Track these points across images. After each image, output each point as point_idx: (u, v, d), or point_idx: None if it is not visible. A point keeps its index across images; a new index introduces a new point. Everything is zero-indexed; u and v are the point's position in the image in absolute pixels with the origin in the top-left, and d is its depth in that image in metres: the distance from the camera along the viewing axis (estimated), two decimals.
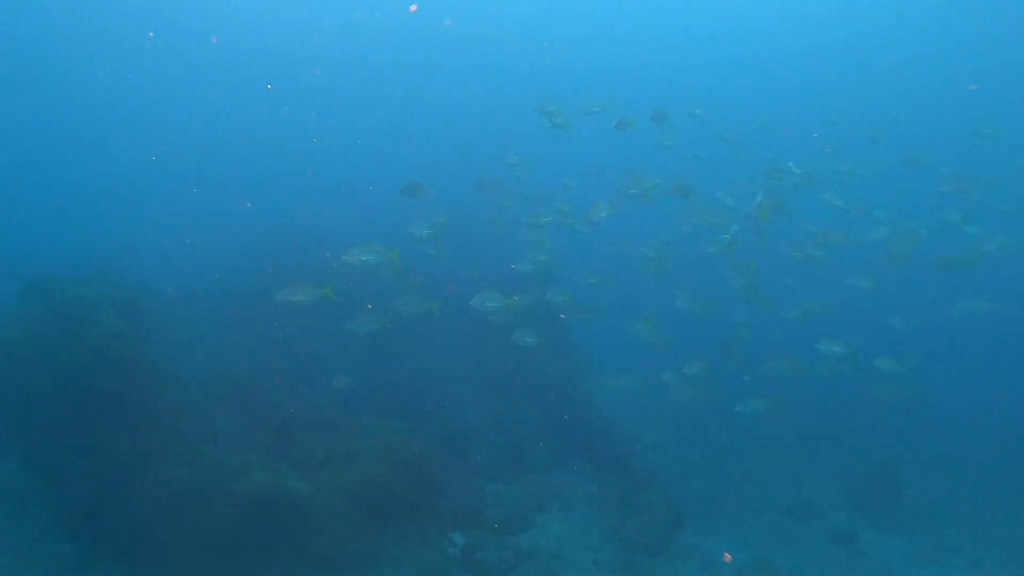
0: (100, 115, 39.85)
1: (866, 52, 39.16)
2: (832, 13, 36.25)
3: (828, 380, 12.12)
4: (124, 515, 8.10)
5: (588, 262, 14.22)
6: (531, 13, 40.02)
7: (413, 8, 39.33)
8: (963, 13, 32.01)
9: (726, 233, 10.50)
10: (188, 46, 38.48)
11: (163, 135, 38.87)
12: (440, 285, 14.61)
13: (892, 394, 12.21)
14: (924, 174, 14.45)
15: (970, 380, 17.04)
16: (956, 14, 32.47)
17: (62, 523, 9.09)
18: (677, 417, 14.22)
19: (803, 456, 14.16)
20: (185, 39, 37.68)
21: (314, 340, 14.01)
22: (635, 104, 12.43)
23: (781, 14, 37.73)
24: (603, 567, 10.02)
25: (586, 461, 13.36)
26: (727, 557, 10.42)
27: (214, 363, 11.60)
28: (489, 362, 14.91)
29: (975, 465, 14.54)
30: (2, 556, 8.71)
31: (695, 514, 11.34)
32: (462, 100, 42.32)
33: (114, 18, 35.17)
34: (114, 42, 37.45)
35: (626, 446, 13.20)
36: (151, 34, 36.62)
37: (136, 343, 8.98)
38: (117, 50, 38.13)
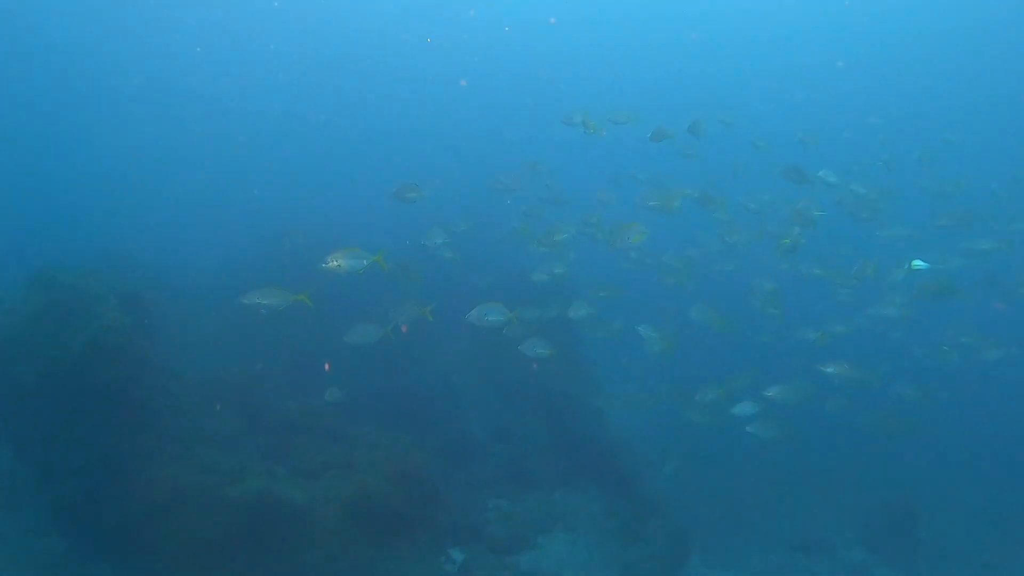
0: (116, 109, 40.07)
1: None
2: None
3: (844, 409, 11.80)
4: (116, 513, 7.90)
5: (602, 273, 13.82)
6: (553, 21, 39.84)
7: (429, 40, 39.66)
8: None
9: (785, 238, 10.01)
10: (200, 39, 38.68)
11: (178, 129, 39.02)
12: (453, 289, 14.39)
13: (890, 427, 11.72)
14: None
15: (993, 416, 16.48)
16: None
17: (55, 517, 8.90)
18: (686, 438, 13.82)
19: (816, 487, 13.70)
20: (197, 32, 37.86)
21: (321, 342, 13.79)
22: (661, 113, 12.04)
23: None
24: None
25: (592, 481, 13.01)
26: None
27: (218, 361, 11.39)
28: (496, 371, 14.61)
29: (998, 508, 14.01)
30: None
31: (701, 545, 10.99)
32: (483, 105, 42.18)
33: (125, 9, 35.47)
34: (123, 32, 37.72)
35: (634, 468, 12.83)
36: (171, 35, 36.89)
37: (137, 338, 8.80)
38: (127, 41, 38.42)
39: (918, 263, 10.55)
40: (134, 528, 7.67)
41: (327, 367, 11.61)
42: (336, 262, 7.02)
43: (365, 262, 7.11)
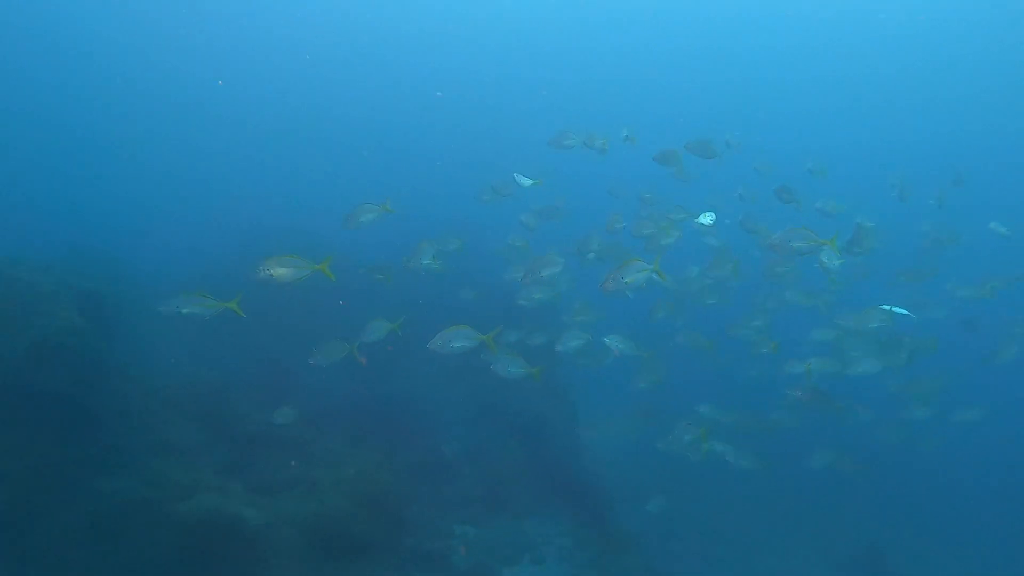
0: (95, 100, 39.41)
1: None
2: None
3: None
4: (49, 528, 7.37)
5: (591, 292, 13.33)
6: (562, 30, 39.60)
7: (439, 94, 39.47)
8: None
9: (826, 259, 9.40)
10: (181, 34, 38.14)
11: (161, 123, 38.40)
12: (437, 302, 13.98)
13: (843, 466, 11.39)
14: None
15: (963, 458, 16.29)
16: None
17: None
18: (662, 471, 13.46)
19: (791, 526, 13.38)
20: (178, 24, 37.31)
21: (293, 350, 13.33)
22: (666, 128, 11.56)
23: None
24: None
25: (564, 509, 12.61)
26: None
27: (185, 367, 10.90)
28: (471, 389, 14.19)
29: (969, 552, 13.78)
30: None
31: None
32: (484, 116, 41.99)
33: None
34: (97, 22, 37.10)
35: (608, 498, 12.45)
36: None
37: (93, 339, 8.31)
38: (101, 29, 37.81)
39: (898, 309, 10.17)
40: (68, 545, 7.16)
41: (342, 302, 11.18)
42: (271, 270, 6.05)
43: (303, 271, 6.11)
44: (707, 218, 9.88)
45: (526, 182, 10.36)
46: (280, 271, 5.96)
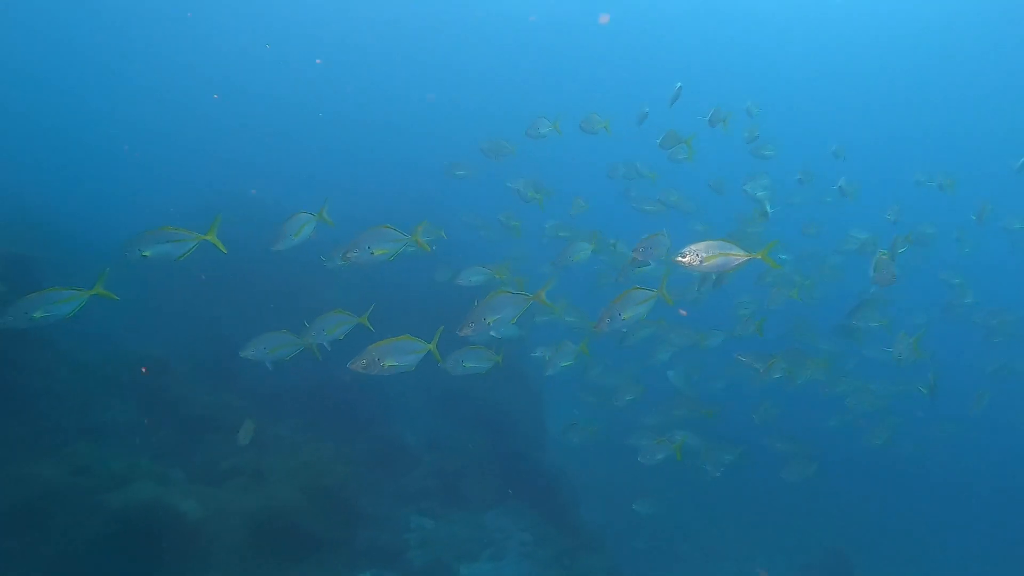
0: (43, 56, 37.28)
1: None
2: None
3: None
4: None
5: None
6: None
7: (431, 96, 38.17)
8: None
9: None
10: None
11: (114, 80, 36.55)
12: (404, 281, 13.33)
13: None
14: None
15: (927, 464, 16.40)
16: None
17: None
18: (627, 468, 13.13)
19: (755, 528, 13.20)
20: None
21: (245, 325, 12.56)
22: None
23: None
24: None
25: (526, 503, 12.18)
26: None
27: (120, 341, 10.09)
28: (434, 375, 13.58)
29: (933, 556, 13.83)
30: None
31: None
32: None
33: None
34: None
35: (571, 493, 12.05)
36: None
37: None
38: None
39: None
40: None
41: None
42: (138, 251, 4.71)
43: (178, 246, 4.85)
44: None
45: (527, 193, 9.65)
46: (150, 251, 4.71)
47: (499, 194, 10.60)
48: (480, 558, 10.46)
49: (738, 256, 5.56)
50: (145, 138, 33.79)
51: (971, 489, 16.60)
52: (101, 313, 10.92)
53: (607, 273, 11.35)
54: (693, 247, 5.53)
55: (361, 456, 11.07)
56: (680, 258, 5.57)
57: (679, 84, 8.96)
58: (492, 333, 6.18)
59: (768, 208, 9.22)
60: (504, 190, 10.11)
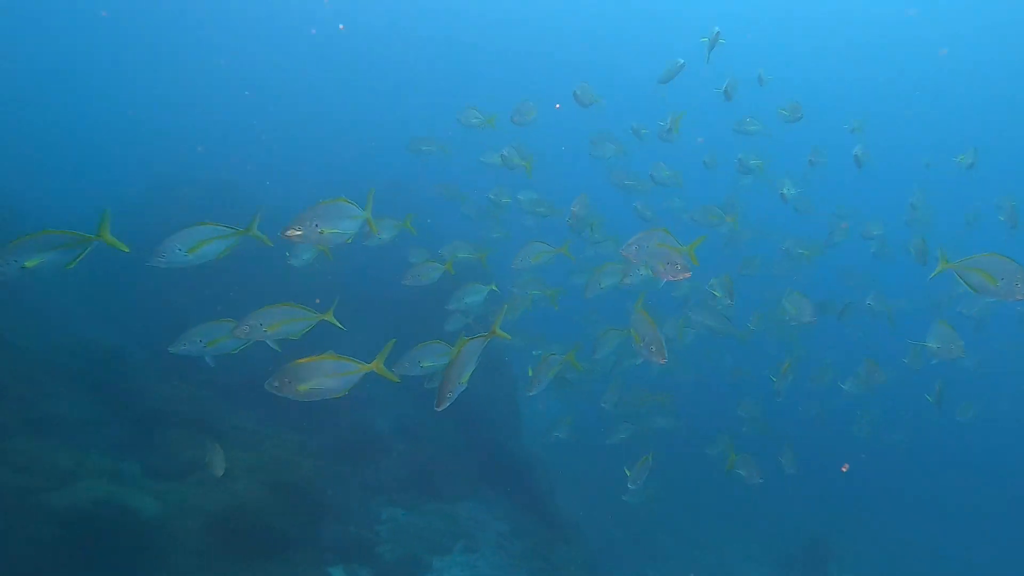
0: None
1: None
2: None
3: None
4: None
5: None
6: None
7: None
8: None
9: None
10: None
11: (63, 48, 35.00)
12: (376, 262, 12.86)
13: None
14: None
15: (902, 452, 16.49)
16: None
17: None
18: (602, 457, 12.92)
19: (734, 517, 13.08)
20: None
21: (205, 309, 11.99)
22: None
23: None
24: None
25: (501, 493, 11.89)
26: None
27: (69, 328, 9.50)
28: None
29: (905, 543, 13.87)
30: None
31: (614, 574, 10.02)
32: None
33: None
34: None
35: (547, 482, 11.78)
36: None
37: None
38: None
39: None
40: None
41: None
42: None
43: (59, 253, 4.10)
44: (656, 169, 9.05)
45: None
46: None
47: (471, 170, 10.19)
48: (454, 550, 10.15)
49: (678, 252, 5.38)
50: (101, 118, 32.52)
51: (951, 478, 16.75)
52: (49, 297, 10.31)
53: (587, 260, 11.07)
54: (637, 237, 5.50)
55: (329, 447, 10.66)
56: (625, 251, 5.57)
57: (717, 28, 8.48)
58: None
59: (786, 191, 8.94)
60: (477, 166, 9.69)
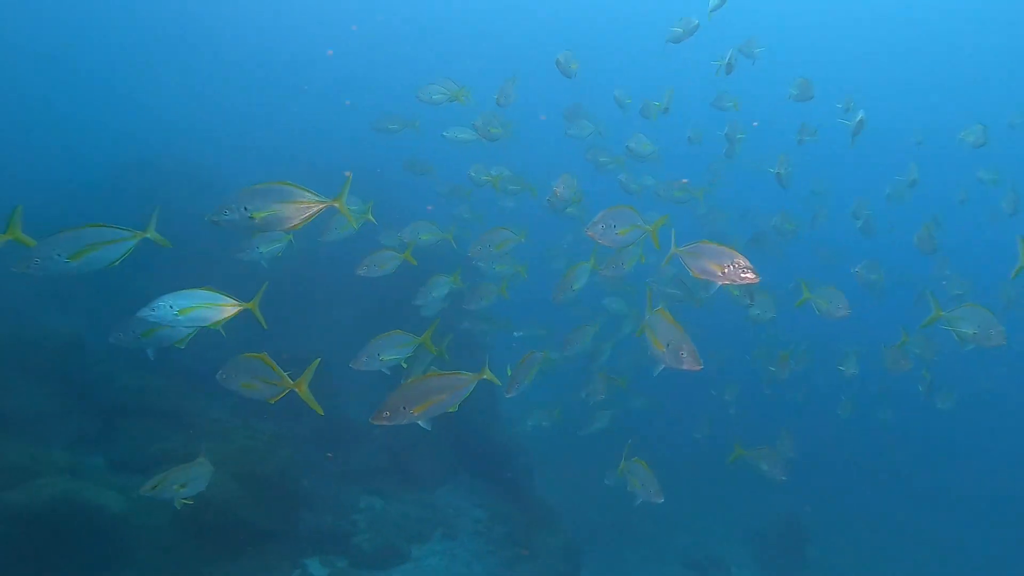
0: None
1: None
2: None
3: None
4: None
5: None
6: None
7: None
8: None
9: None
10: None
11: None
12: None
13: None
14: None
15: (879, 434, 16.67)
16: None
17: None
18: (580, 441, 12.85)
19: (710, 498, 13.12)
20: None
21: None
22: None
23: None
24: None
25: (479, 478, 11.78)
26: None
27: (27, 315, 9.11)
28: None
29: (883, 524, 14.03)
30: None
31: (593, 559, 9.98)
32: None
33: None
34: None
35: (526, 467, 11.68)
36: None
37: None
38: None
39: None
40: None
41: None
42: None
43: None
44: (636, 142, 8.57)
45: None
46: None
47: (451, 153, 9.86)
48: (432, 538, 10.02)
49: (639, 228, 5.29)
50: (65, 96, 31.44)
51: (928, 458, 16.98)
52: (6, 284, 9.88)
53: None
54: (602, 215, 5.21)
55: (302, 436, 10.43)
56: (590, 231, 5.23)
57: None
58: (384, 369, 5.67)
59: (779, 170, 8.71)
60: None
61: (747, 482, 13.08)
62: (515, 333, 13.13)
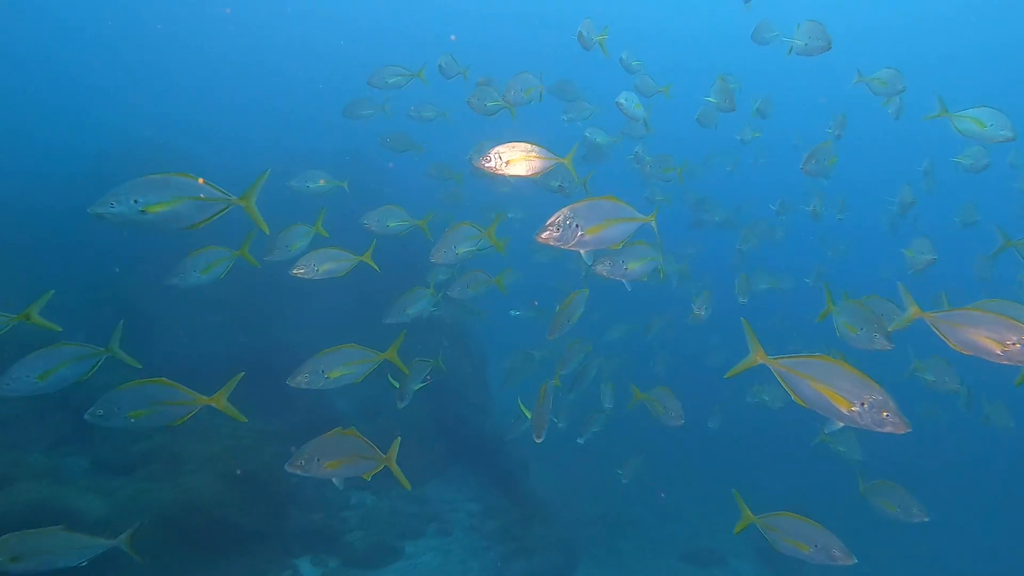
0: None
1: None
2: None
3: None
4: None
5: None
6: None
7: None
8: None
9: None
10: None
11: None
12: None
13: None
14: None
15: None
16: None
17: None
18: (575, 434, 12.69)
19: (709, 488, 12.97)
20: None
21: (153, 289, 11.28)
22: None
23: None
24: None
25: (470, 471, 11.60)
26: None
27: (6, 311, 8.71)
28: (368, 337, 12.65)
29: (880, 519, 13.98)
30: None
31: (589, 552, 9.85)
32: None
33: None
34: None
35: (518, 460, 11.50)
36: None
37: None
38: None
39: None
40: None
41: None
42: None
43: None
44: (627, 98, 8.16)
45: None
46: None
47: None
48: (425, 534, 9.84)
49: (545, 159, 4.66)
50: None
51: (929, 449, 16.94)
52: None
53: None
54: (496, 148, 4.59)
55: (289, 432, 10.17)
56: (483, 161, 4.60)
57: None
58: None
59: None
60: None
61: (745, 471, 13.09)
62: (512, 312, 12.92)
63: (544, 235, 4.07)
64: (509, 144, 4.65)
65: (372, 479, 11.01)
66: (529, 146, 4.66)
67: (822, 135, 8.01)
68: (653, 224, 4.57)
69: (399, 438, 4.34)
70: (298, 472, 4.01)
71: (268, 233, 4.25)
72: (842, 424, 3.41)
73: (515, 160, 4.63)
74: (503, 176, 4.74)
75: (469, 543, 9.69)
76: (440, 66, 8.31)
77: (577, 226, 4.07)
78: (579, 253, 4.35)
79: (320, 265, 5.96)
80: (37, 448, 7.26)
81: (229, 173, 12.73)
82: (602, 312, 11.54)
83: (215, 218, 3.76)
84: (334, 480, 4.23)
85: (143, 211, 3.53)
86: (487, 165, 4.60)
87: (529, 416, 5.44)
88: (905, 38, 33.45)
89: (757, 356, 3.58)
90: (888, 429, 3.27)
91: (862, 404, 3.29)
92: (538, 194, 7.93)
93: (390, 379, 6.52)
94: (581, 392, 8.60)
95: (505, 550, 9.37)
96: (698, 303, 8.07)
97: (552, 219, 4.09)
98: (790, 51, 6.76)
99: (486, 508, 10.55)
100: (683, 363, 13.40)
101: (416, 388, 6.54)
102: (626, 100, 7.75)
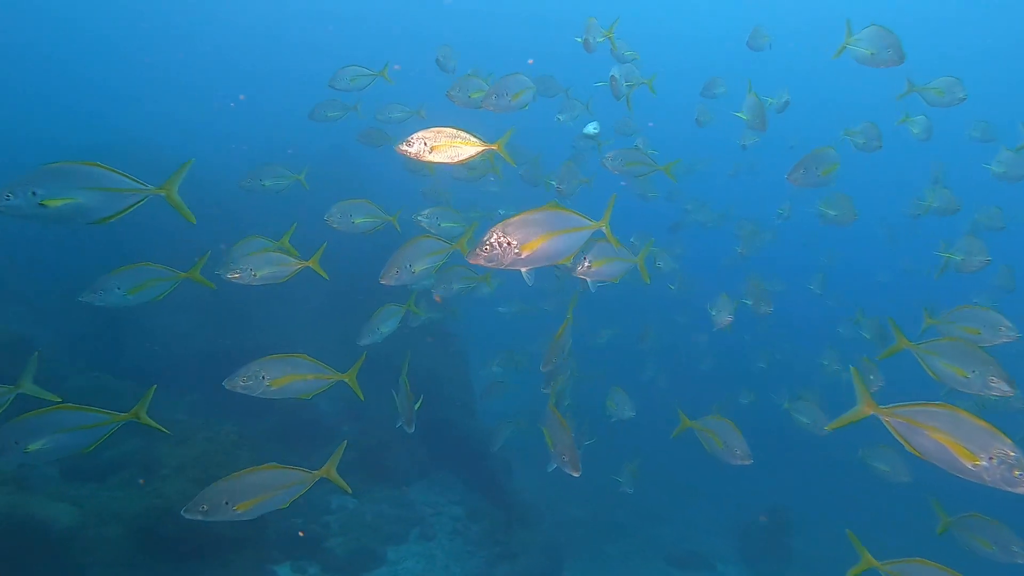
0: None
1: None
2: None
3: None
4: None
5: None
6: None
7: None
8: None
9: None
10: None
11: None
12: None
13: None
14: None
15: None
16: None
17: None
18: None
19: (695, 490, 12.93)
20: None
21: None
22: None
23: None
24: None
25: (454, 474, 11.43)
26: None
27: None
28: (348, 337, 12.45)
29: (867, 516, 13.97)
30: None
31: (574, 556, 9.72)
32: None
33: None
34: None
35: (502, 462, 11.35)
36: None
37: None
38: None
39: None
40: None
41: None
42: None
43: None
44: (592, 128, 8.14)
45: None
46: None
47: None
48: (408, 538, 9.65)
49: (471, 146, 4.39)
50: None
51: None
52: None
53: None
54: (420, 133, 4.32)
55: (266, 435, 9.96)
56: (405, 147, 4.32)
57: None
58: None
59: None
60: None
61: (729, 475, 12.97)
62: (499, 309, 12.77)
63: (476, 257, 3.67)
64: (435, 129, 4.39)
65: (351, 481, 10.85)
66: (455, 131, 4.42)
67: (822, 137, 7.86)
68: (606, 229, 4.11)
69: (344, 443, 4.03)
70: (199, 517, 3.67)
71: (194, 223, 3.87)
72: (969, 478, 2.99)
73: (440, 146, 4.38)
74: (427, 163, 4.53)
75: (453, 548, 9.52)
76: (438, 60, 8.11)
77: (510, 243, 3.65)
78: (520, 272, 3.86)
79: (258, 270, 5.35)
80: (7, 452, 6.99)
81: (215, 169, 12.46)
82: (589, 313, 11.45)
83: (130, 211, 3.45)
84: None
85: (42, 204, 3.19)
86: (409, 151, 4.32)
87: (552, 447, 5.09)
88: (905, 38, 33.62)
89: (866, 407, 3.27)
90: (1021, 490, 2.88)
91: (990, 459, 2.91)
92: (526, 190, 7.78)
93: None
94: (572, 402, 8.40)
95: (489, 554, 9.22)
96: (718, 308, 7.56)
97: (485, 237, 3.70)
98: (839, 52, 6.25)
99: (470, 512, 10.40)
100: (674, 365, 13.32)
101: (417, 407, 6.25)
102: (619, 74, 7.60)
